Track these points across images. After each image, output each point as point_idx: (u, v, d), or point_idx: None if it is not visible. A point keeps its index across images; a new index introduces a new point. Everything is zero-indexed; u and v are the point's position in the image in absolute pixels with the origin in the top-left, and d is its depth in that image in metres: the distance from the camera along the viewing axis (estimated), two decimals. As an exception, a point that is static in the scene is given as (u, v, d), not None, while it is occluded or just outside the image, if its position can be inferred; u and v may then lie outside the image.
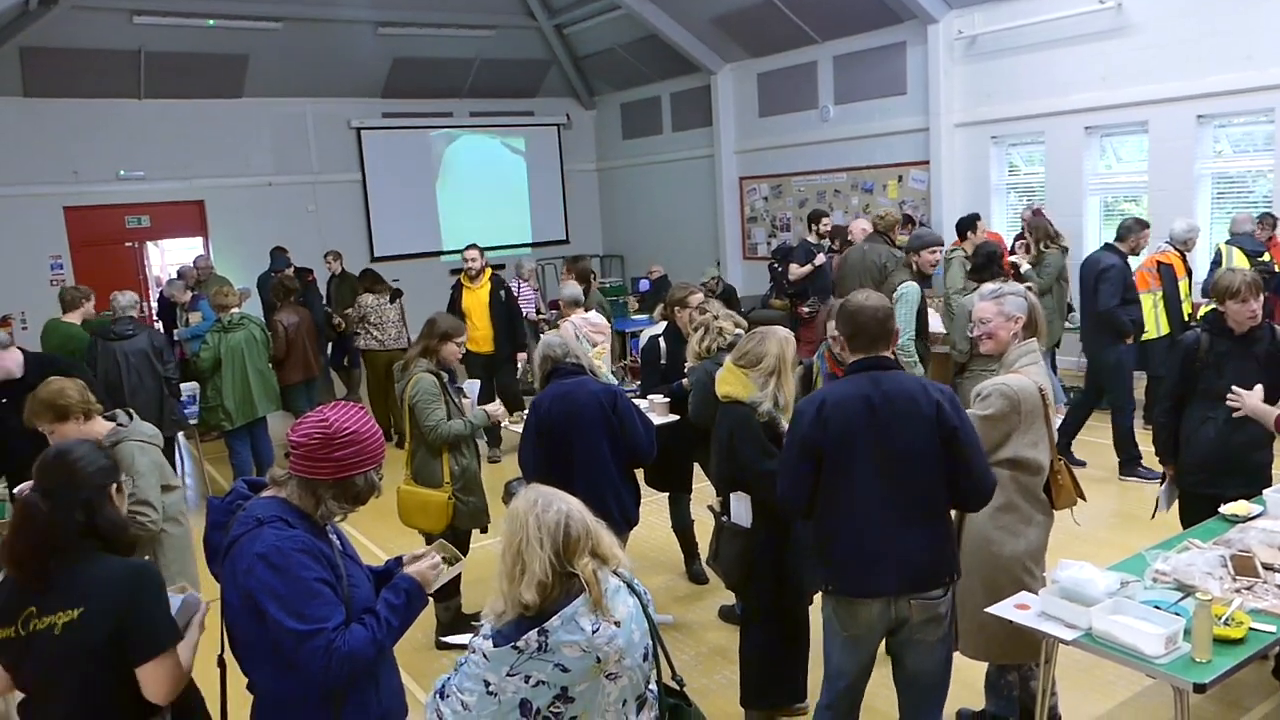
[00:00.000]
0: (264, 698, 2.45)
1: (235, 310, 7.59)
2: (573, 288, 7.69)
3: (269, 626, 2.28)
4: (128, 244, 14.04)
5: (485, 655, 2.16)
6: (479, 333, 8.25)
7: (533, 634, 2.11)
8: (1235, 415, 3.92)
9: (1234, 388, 3.89)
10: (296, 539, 2.33)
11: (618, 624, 2.17)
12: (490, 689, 2.14)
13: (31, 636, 2.41)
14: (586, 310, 7.41)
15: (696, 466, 5.59)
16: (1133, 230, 7.08)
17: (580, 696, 2.16)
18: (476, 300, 8.44)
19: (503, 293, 8.57)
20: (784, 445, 3.20)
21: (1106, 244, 7.21)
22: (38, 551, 2.43)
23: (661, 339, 5.78)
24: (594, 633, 2.13)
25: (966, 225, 8.27)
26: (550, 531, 2.17)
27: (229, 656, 2.55)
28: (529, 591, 2.13)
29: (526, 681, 2.12)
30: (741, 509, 3.82)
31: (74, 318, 7.38)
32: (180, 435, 9.00)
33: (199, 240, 14.29)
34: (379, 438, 2.47)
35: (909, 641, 3.09)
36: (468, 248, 8.84)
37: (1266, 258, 7.41)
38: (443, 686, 2.25)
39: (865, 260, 7.68)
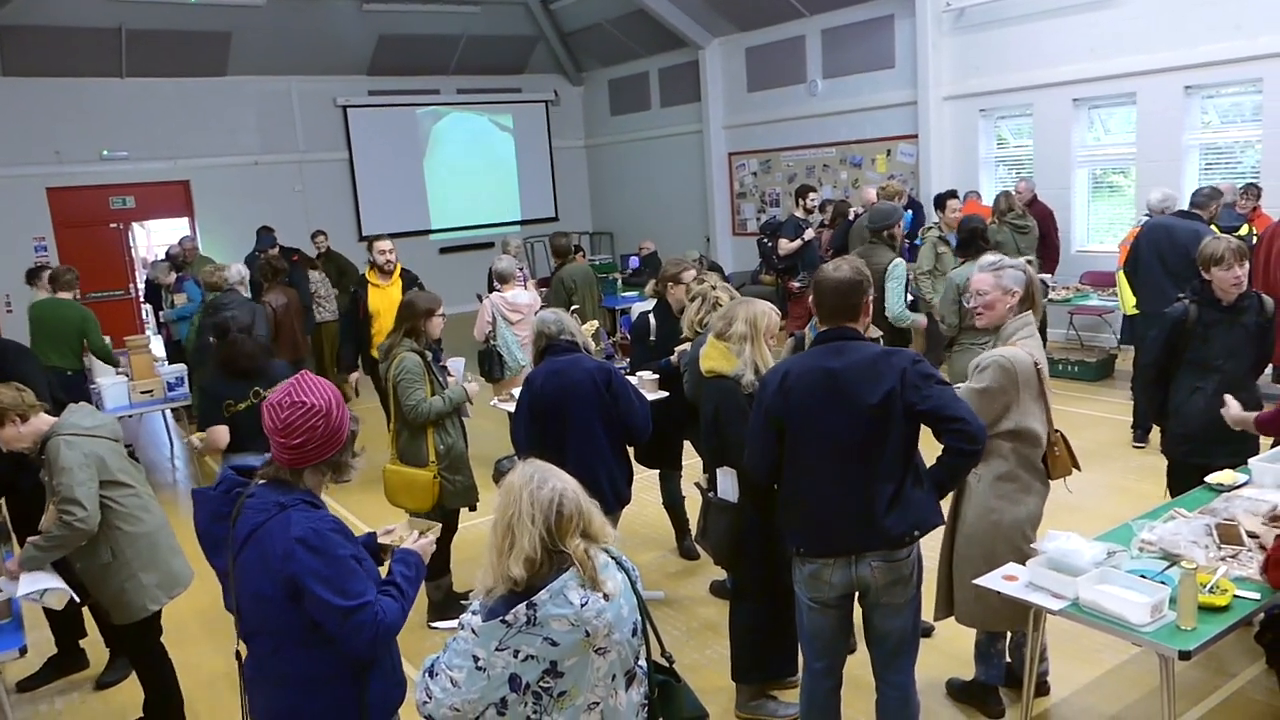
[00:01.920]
0: (291, 681, 2.42)
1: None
2: (504, 262, 7.46)
3: (311, 608, 2.30)
4: (112, 225, 13.95)
5: (474, 631, 2.15)
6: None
7: (521, 608, 2.10)
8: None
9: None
10: (326, 519, 2.37)
11: (607, 597, 2.17)
12: (479, 664, 2.13)
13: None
14: (538, 285, 7.33)
15: (687, 444, 5.60)
16: (1211, 198, 7.01)
17: (569, 671, 2.16)
18: (387, 300, 7.07)
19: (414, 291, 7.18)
20: (750, 414, 3.24)
21: (1183, 211, 6.92)
22: (250, 358, 4.86)
23: (651, 315, 5.76)
24: (582, 606, 2.12)
25: (937, 204, 8.28)
26: (543, 508, 2.15)
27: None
28: (516, 566, 2.12)
29: (515, 656, 2.12)
30: (728, 484, 3.82)
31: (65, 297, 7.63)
32: (171, 419, 9.01)
33: (185, 221, 14.20)
34: (333, 386, 2.49)
35: (877, 605, 3.15)
36: (378, 238, 7.75)
37: (1244, 230, 7.39)
38: (432, 665, 2.23)
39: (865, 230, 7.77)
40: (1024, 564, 3.38)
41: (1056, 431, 3.67)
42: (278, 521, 2.32)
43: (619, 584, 2.23)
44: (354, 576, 2.33)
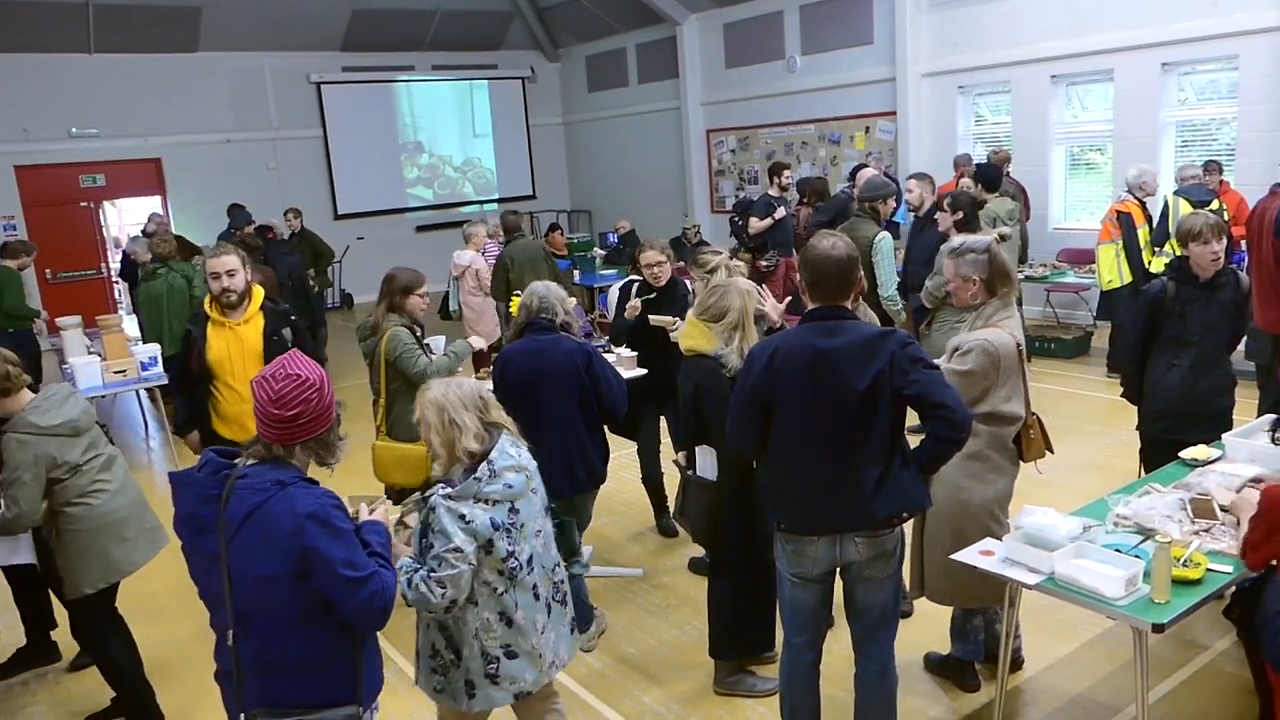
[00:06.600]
0: (287, 665, 2.40)
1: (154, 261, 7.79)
2: (469, 227, 9.10)
3: (322, 583, 2.32)
4: (83, 204, 13.74)
5: (452, 499, 2.74)
6: (243, 405, 4.43)
7: (484, 465, 2.80)
8: None
9: None
10: (328, 495, 2.39)
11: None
12: (466, 520, 2.73)
13: None
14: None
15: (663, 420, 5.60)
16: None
17: (522, 509, 2.89)
18: (237, 345, 4.65)
19: (287, 332, 4.78)
20: (735, 387, 3.22)
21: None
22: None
23: (635, 288, 5.77)
24: (518, 454, 2.91)
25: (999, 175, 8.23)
26: (470, 399, 2.86)
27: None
28: (473, 441, 2.81)
29: (489, 504, 2.79)
30: (707, 462, 3.82)
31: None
32: (146, 398, 8.93)
33: (157, 199, 14.01)
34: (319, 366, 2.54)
35: (859, 578, 3.13)
36: (216, 253, 4.73)
37: (1215, 205, 7.43)
38: (410, 577, 2.72)
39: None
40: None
41: (1033, 414, 3.67)
42: (280, 499, 2.32)
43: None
44: (357, 550, 2.40)
